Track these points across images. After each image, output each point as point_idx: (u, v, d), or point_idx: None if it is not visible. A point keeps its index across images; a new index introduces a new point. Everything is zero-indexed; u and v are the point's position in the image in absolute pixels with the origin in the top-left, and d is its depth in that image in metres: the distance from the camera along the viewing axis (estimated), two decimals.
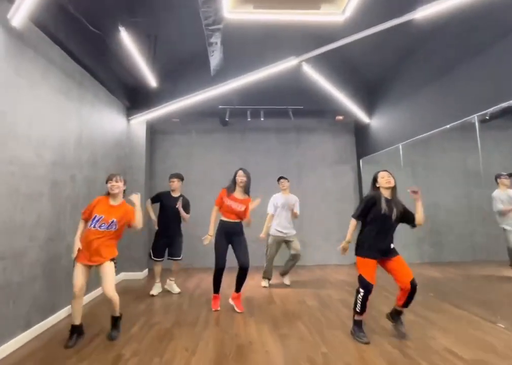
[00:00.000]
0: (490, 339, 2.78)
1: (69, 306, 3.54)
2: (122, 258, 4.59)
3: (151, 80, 4.38)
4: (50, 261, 3.30)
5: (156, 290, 4.36)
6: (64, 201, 3.59)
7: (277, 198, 4.72)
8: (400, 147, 4.88)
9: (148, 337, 2.93)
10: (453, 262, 5.50)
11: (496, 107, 3.14)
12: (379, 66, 5.16)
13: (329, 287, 4.61)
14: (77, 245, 2.81)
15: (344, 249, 3.00)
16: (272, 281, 4.82)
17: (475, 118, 3.46)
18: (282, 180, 4.77)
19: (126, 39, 3.23)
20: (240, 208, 3.69)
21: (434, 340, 2.78)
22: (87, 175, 4.13)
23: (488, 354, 2.52)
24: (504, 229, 4.01)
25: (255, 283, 4.75)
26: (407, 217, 2.88)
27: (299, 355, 2.55)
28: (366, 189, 6.32)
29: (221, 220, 3.76)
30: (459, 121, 3.66)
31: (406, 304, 2.80)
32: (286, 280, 4.80)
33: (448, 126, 3.82)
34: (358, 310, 2.81)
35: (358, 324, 2.87)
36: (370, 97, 6.06)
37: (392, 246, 2.86)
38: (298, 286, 4.68)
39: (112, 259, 2.89)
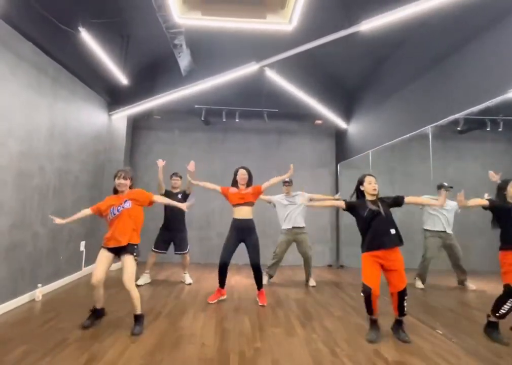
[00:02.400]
0: (422, 343, 2.88)
1: (33, 292, 3.73)
2: (97, 250, 4.76)
3: (123, 79, 4.52)
4: (13, 247, 3.44)
5: (143, 280, 4.54)
6: (31, 191, 3.72)
7: (280, 198, 4.90)
8: (370, 153, 4.98)
9: (97, 324, 3.06)
10: None
11: (444, 119, 3.24)
12: (354, 75, 5.29)
13: (291, 287, 4.72)
14: (63, 220, 3.00)
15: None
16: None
17: (429, 129, 3.55)
18: (287, 185, 4.87)
19: (89, 40, 3.37)
20: (248, 190, 3.82)
21: (369, 344, 2.88)
22: (59, 166, 4.27)
23: (412, 357, 2.61)
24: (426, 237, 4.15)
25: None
26: (396, 200, 2.99)
27: (232, 348, 2.67)
28: (343, 193, 6.44)
29: (233, 219, 3.88)
30: (416, 132, 3.76)
31: (400, 312, 2.90)
32: (311, 282, 4.90)
33: (407, 136, 3.92)
34: (366, 311, 2.95)
35: (370, 322, 3.00)
36: (347, 104, 6.19)
37: (392, 231, 2.90)
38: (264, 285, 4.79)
39: (133, 252, 2.97)
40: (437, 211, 4.25)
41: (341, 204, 3.09)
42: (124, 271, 2.92)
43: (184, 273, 4.75)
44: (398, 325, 3.00)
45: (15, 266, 3.50)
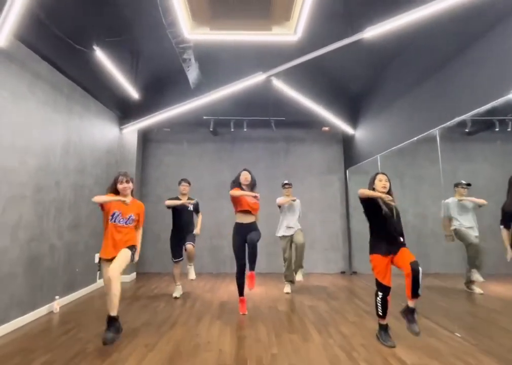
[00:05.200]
0: (441, 346, 2.84)
1: (51, 304, 3.80)
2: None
3: (134, 93, 4.66)
4: (31, 260, 3.53)
5: (178, 292, 4.53)
6: (48, 205, 3.83)
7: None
8: (378, 158, 5.00)
9: (118, 339, 3.06)
10: (440, 273, 5.52)
11: (451, 121, 3.27)
12: (360, 80, 5.37)
13: (305, 294, 4.70)
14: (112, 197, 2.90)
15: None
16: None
17: (436, 131, 3.58)
18: (287, 187, 4.94)
19: (102, 57, 3.53)
20: (252, 200, 3.79)
21: (385, 346, 2.86)
22: (74, 181, 4.39)
23: (432, 360, 2.59)
24: (457, 229, 4.03)
25: (234, 289, 4.88)
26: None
27: (250, 355, 2.68)
28: (353, 199, 6.45)
29: (236, 223, 3.89)
30: (423, 134, 3.79)
31: (414, 293, 2.66)
32: (298, 276, 4.80)
33: (415, 139, 3.94)
34: (380, 313, 2.88)
35: (383, 328, 2.94)
36: (353, 109, 6.26)
37: (401, 239, 2.89)
38: (275, 292, 4.79)
39: (131, 247, 2.97)
40: (457, 214, 4.12)
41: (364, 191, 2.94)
42: (114, 260, 2.81)
43: (189, 265, 4.57)
44: (411, 313, 2.77)
45: (34, 278, 3.58)
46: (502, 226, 3.06)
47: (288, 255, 4.84)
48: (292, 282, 4.89)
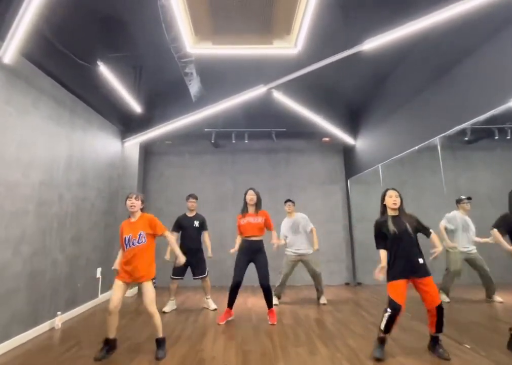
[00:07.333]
0: (451, 358, 2.78)
1: (53, 320, 3.74)
2: (112, 278, 4.83)
3: (136, 107, 4.72)
4: (34, 275, 3.50)
5: (169, 307, 4.47)
6: (51, 219, 3.82)
7: (285, 224, 4.87)
8: (380, 167, 5.01)
9: (118, 349, 3.04)
10: None
11: (452, 129, 3.30)
12: (359, 91, 5.45)
13: (310, 307, 4.64)
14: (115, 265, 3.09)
15: (381, 273, 2.91)
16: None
17: (437, 140, 3.60)
18: (288, 203, 4.86)
19: (106, 72, 3.60)
20: (258, 220, 3.93)
21: (393, 358, 2.81)
22: (76, 194, 4.39)
23: None
24: (449, 251, 3.96)
25: (241, 301, 4.81)
26: (423, 231, 2.94)
27: None
28: (355, 209, 6.44)
29: (242, 239, 3.99)
30: (424, 143, 3.81)
31: (438, 328, 2.78)
32: (322, 300, 4.82)
33: (416, 148, 3.97)
34: (382, 329, 2.77)
35: (379, 340, 2.85)
36: (353, 120, 6.32)
37: (421, 261, 2.81)
38: (279, 305, 4.72)
39: (153, 279, 3.02)
40: (462, 230, 4.08)
41: (381, 253, 2.96)
42: (145, 296, 2.91)
43: (207, 298, 4.60)
44: (436, 342, 2.88)
45: (37, 293, 3.54)
46: None
47: (285, 273, 4.71)
48: (279, 297, 4.86)
